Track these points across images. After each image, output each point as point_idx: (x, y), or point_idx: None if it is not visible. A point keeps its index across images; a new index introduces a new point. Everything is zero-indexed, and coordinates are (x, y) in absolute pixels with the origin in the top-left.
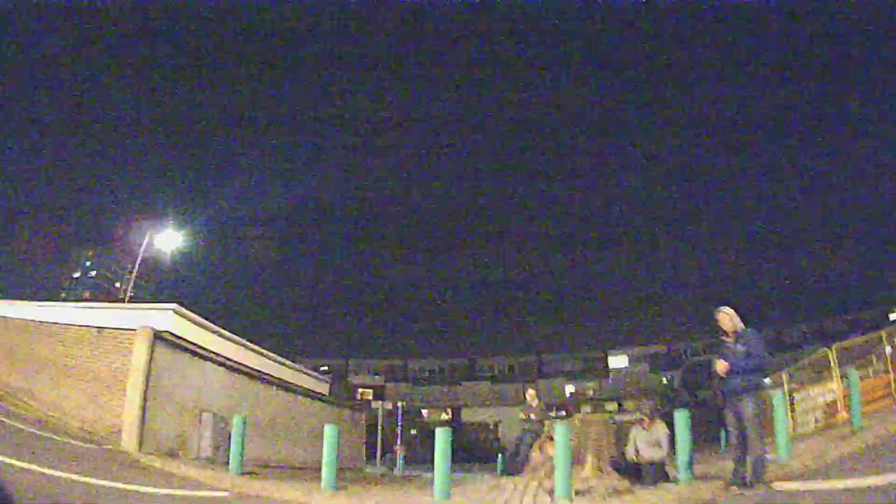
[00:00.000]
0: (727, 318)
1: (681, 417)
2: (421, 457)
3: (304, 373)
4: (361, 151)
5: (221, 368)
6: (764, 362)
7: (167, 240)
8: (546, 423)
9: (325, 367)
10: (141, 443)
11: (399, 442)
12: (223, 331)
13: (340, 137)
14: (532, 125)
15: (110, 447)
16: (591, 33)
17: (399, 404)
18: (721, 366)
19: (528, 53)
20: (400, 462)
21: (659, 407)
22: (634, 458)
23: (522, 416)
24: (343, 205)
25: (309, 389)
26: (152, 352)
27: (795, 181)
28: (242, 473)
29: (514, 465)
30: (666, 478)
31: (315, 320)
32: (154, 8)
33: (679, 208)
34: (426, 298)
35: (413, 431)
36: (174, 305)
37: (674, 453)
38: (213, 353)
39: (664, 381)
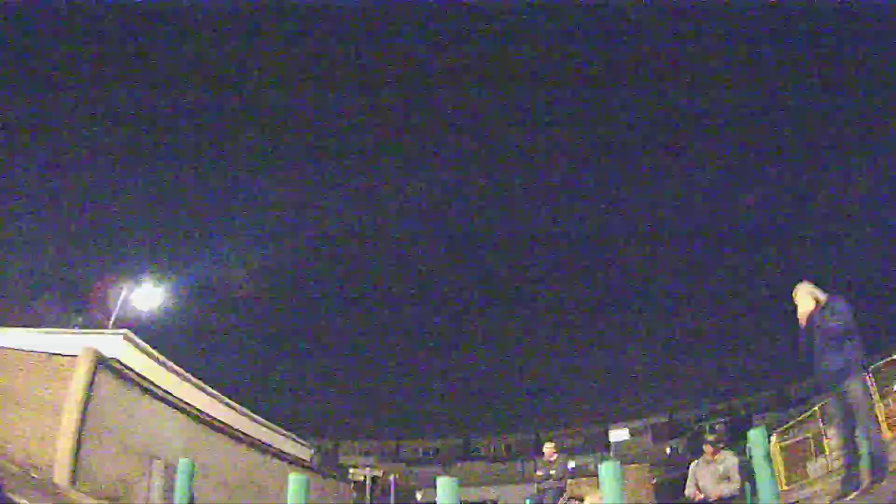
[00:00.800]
0: (806, 294)
1: (757, 437)
2: None
3: (283, 434)
4: (355, 225)
5: (179, 413)
6: (852, 326)
7: (147, 299)
8: (569, 480)
9: (316, 449)
10: (73, 480)
11: None
12: (184, 371)
13: (338, 207)
14: (525, 203)
15: (37, 476)
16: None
17: (392, 476)
18: (802, 312)
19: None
20: None
21: (717, 437)
22: (697, 497)
23: (540, 473)
24: (335, 284)
25: (287, 453)
26: (94, 378)
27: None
28: None
29: None
30: None
31: (304, 400)
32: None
33: (677, 276)
34: (419, 378)
35: None
36: (125, 331)
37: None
38: (170, 393)
39: (668, 450)
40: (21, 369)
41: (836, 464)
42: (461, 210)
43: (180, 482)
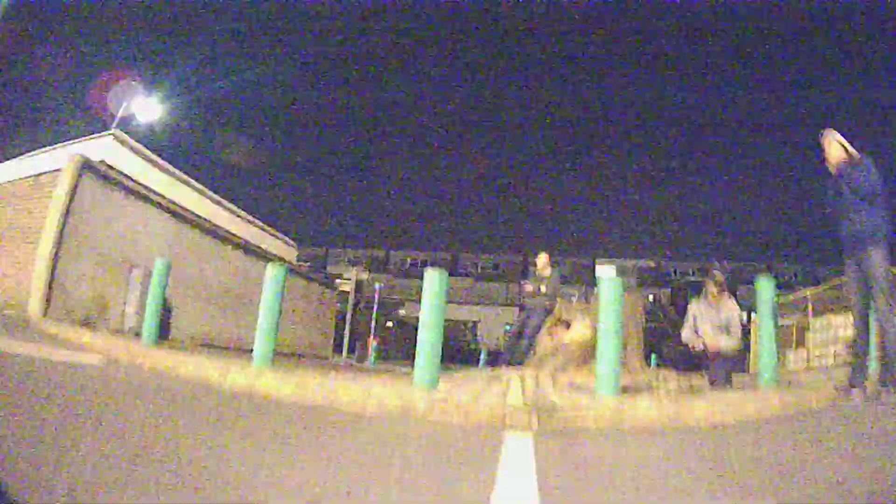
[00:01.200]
0: (835, 142)
1: (765, 286)
2: (396, 353)
3: (270, 233)
4: (351, 28)
5: (165, 214)
6: (880, 189)
7: (144, 107)
8: (559, 300)
9: (304, 256)
10: (48, 306)
11: (373, 332)
12: (173, 168)
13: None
14: (533, 24)
15: (10, 313)
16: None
17: (377, 285)
18: (833, 159)
19: None
20: (372, 354)
21: (726, 277)
22: (694, 344)
23: (530, 287)
24: (332, 88)
25: (274, 254)
26: (77, 185)
27: (804, 113)
28: (160, 343)
29: (517, 352)
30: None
31: (294, 206)
32: None
33: (684, 125)
34: (411, 187)
35: (389, 324)
36: (115, 131)
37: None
38: (155, 192)
39: (650, 298)
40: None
41: (818, 362)
42: (461, 23)
43: (154, 284)
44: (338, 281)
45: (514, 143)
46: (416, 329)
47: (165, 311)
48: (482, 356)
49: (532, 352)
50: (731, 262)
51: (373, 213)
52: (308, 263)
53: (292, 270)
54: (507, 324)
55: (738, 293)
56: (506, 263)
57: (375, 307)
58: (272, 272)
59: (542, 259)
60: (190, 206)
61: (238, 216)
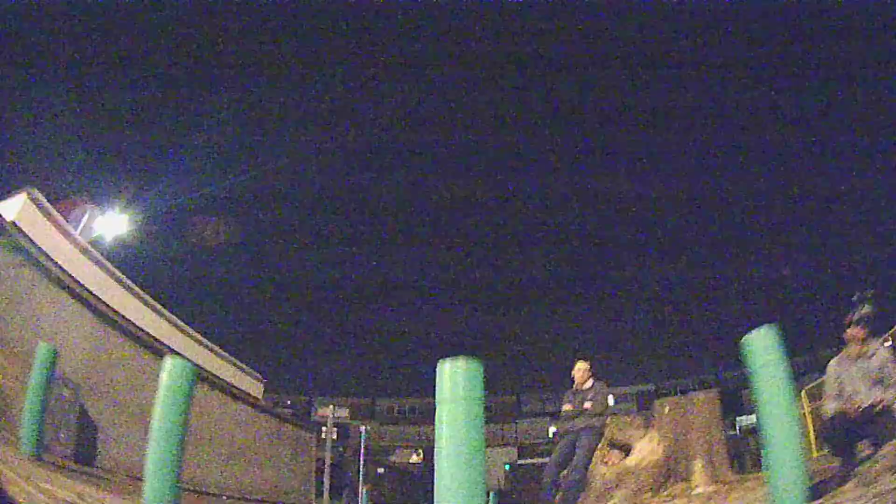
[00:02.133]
0: None
1: None
2: (389, 499)
3: (230, 362)
4: (333, 168)
5: (86, 309)
6: None
7: (110, 225)
8: (608, 418)
9: (289, 403)
10: None
11: (361, 480)
12: (104, 259)
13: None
14: (516, 161)
15: None
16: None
17: (362, 428)
18: None
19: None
20: (364, 502)
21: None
22: (846, 411)
23: (568, 406)
24: (309, 229)
25: (234, 386)
26: None
27: (783, 218)
28: (41, 458)
29: (563, 489)
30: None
31: (278, 354)
32: None
33: (662, 241)
34: (396, 332)
35: (380, 470)
36: (30, 189)
37: None
38: (78, 282)
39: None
40: None
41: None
42: (443, 166)
43: (35, 373)
44: (324, 429)
45: (500, 282)
46: (410, 474)
47: (88, 428)
48: (491, 498)
49: (585, 485)
50: (730, 371)
51: (356, 361)
52: (290, 412)
53: (262, 409)
54: (506, 463)
55: (742, 400)
56: (498, 404)
57: (363, 453)
58: (171, 368)
59: (581, 369)
60: (122, 309)
61: (188, 336)
